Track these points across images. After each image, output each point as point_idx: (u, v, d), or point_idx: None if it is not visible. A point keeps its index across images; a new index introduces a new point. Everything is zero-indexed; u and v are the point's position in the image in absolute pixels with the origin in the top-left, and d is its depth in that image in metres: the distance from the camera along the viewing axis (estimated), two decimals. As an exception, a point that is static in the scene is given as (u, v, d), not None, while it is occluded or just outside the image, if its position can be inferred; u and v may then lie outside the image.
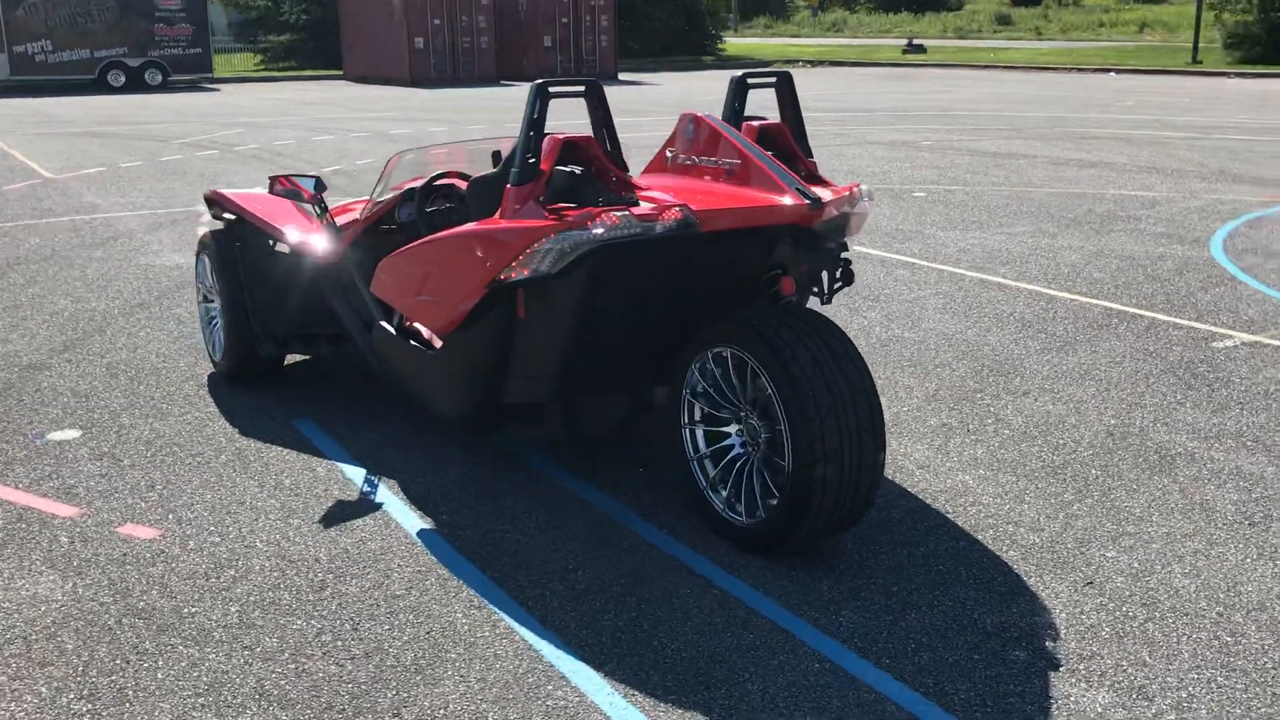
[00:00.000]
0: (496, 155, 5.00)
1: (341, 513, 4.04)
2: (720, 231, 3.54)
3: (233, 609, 3.40)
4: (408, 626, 3.31)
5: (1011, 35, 61.74)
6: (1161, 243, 8.48)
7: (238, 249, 5.17)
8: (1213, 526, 3.89)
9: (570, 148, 3.76)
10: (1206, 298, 6.87)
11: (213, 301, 5.48)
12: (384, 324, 4.48)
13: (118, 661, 3.14)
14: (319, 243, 4.87)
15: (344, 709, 2.93)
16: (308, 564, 3.67)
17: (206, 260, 5.37)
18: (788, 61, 40.21)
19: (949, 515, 3.99)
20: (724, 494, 3.77)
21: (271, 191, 4.77)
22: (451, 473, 4.38)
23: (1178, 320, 6.38)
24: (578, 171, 3.80)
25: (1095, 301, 6.82)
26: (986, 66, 35.35)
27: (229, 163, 13.70)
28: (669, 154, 3.98)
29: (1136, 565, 3.63)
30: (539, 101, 3.73)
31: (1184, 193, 10.70)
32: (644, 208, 3.52)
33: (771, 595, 3.46)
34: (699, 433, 3.88)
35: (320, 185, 4.73)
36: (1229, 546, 3.74)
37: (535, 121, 3.73)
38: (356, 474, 4.38)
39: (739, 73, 4.14)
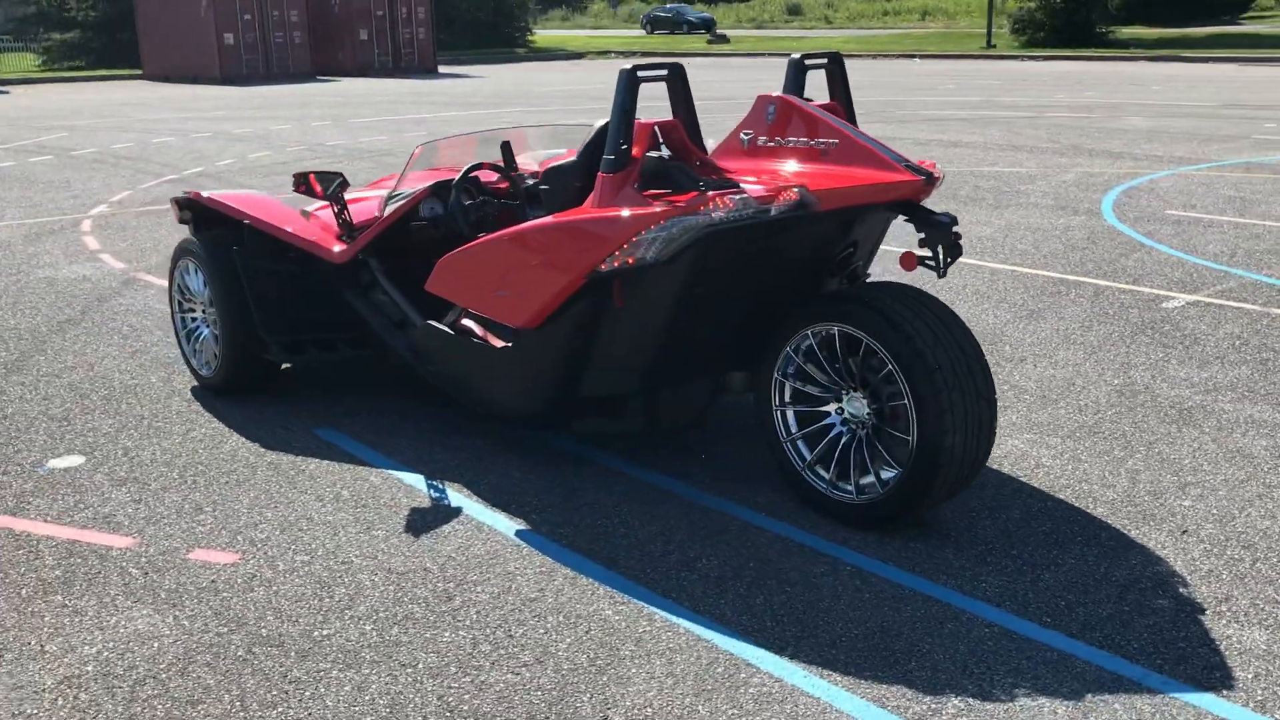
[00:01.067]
0: (505, 146, 4.89)
1: (423, 520, 3.87)
2: (832, 210, 3.56)
3: (368, 628, 3.23)
4: (564, 628, 3.21)
5: (804, 24, 63.77)
6: (1059, 214, 8.95)
7: (235, 253, 4.87)
8: (1261, 471, 4.15)
9: (659, 133, 3.71)
10: (1129, 263, 7.30)
11: (194, 311, 5.16)
12: (434, 322, 4.31)
13: (275, 693, 2.93)
14: (333, 243, 4.64)
15: (547, 716, 2.82)
16: (420, 575, 3.51)
17: (190, 267, 5.04)
18: (601, 52, 40.44)
19: (1023, 479, 4.12)
20: (826, 474, 3.79)
21: (296, 189, 4.51)
22: (514, 472, 4.25)
23: (1118, 285, 6.76)
24: (666, 156, 3.76)
25: (1035, 271, 7.15)
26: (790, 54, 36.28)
27: (76, 169, 12.83)
28: (744, 137, 3.96)
29: (1216, 511, 3.84)
30: (630, 87, 3.66)
31: (1051, 167, 11.32)
32: (758, 189, 3.51)
33: (906, 568, 3.51)
34: (790, 414, 3.89)
35: (343, 183, 4.51)
36: (1286, 488, 4.01)
37: (626, 107, 3.66)
38: (414, 480, 4.20)
39: (797, 54, 4.16)
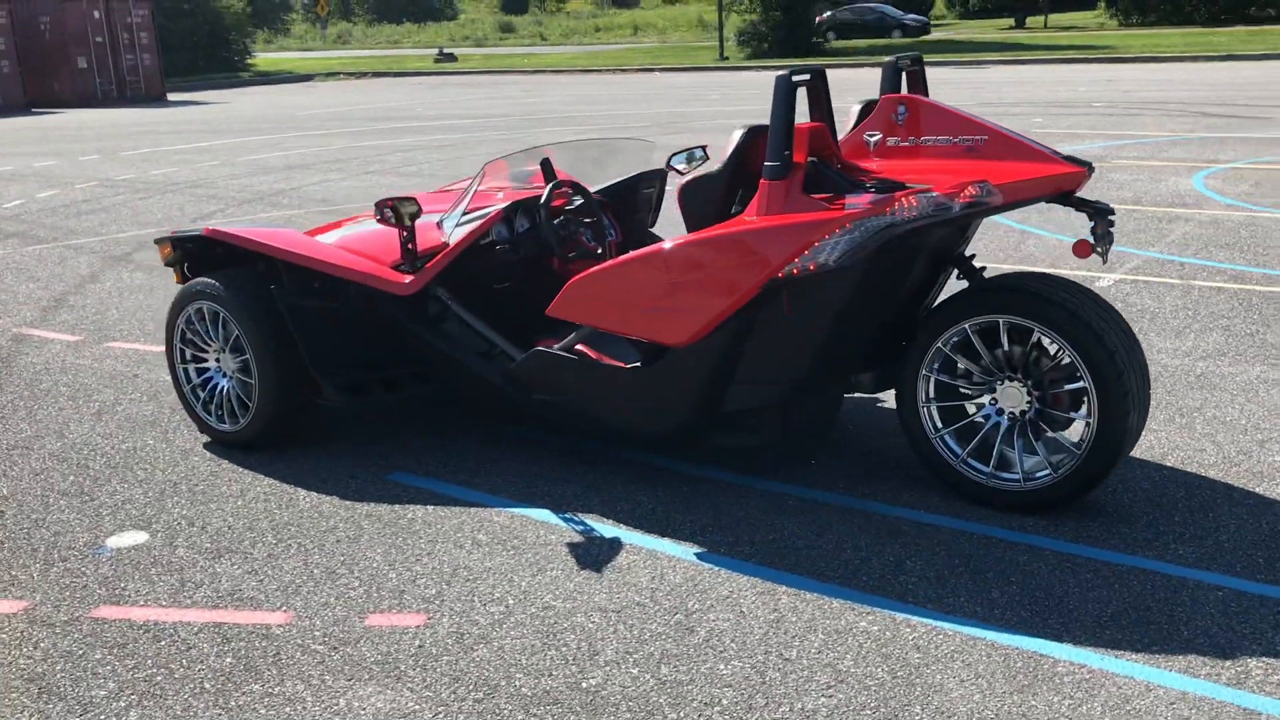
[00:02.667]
0: (546, 164, 4.72)
1: (591, 555, 3.67)
2: (1009, 204, 3.63)
3: (635, 671, 3.03)
4: (833, 645, 3.12)
5: (518, 42, 64.19)
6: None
7: (275, 292, 4.44)
8: (1312, 422, 4.55)
9: (812, 138, 3.69)
10: (1030, 249, 7.79)
11: (205, 360, 4.67)
12: (547, 349, 4.09)
13: (598, 752, 2.72)
14: (393, 273, 4.32)
15: (899, 734, 2.75)
16: (639, 610, 3.33)
17: (206, 311, 4.55)
18: (330, 74, 39.21)
19: (1236, 461, 4.28)
20: (986, 465, 3.86)
21: (380, 219, 4.17)
22: (639, 496, 4.09)
23: (1040, 269, 7.21)
24: (816, 161, 3.74)
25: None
26: (535, 71, 36.54)
27: None
28: (869, 139, 3.98)
29: (1307, 463, 4.18)
30: (788, 93, 3.61)
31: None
32: (938, 187, 3.54)
33: (1103, 547, 3.62)
34: (934, 410, 3.94)
35: (418, 210, 4.21)
36: (1347, 437, 4.41)
37: (787, 114, 3.60)
38: (543, 514, 3.98)
39: (890, 58, 4.21)
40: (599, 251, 4.45)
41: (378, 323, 4.44)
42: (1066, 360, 3.66)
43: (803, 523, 3.85)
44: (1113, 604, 3.28)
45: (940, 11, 58.43)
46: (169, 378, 5.45)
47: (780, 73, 3.67)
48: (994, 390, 3.85)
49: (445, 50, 46.88)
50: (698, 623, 3.26)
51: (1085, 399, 3.64)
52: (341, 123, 20.17)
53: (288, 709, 2.93)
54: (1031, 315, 3.67)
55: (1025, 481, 3.80)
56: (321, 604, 3.44)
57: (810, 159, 3.70)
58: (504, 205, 4.38)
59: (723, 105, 20.58)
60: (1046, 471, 3.77)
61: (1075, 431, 3.79)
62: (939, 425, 3.94)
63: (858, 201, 3.52)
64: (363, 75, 38.89)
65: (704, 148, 4.99)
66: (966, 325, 3.79)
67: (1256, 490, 3.97)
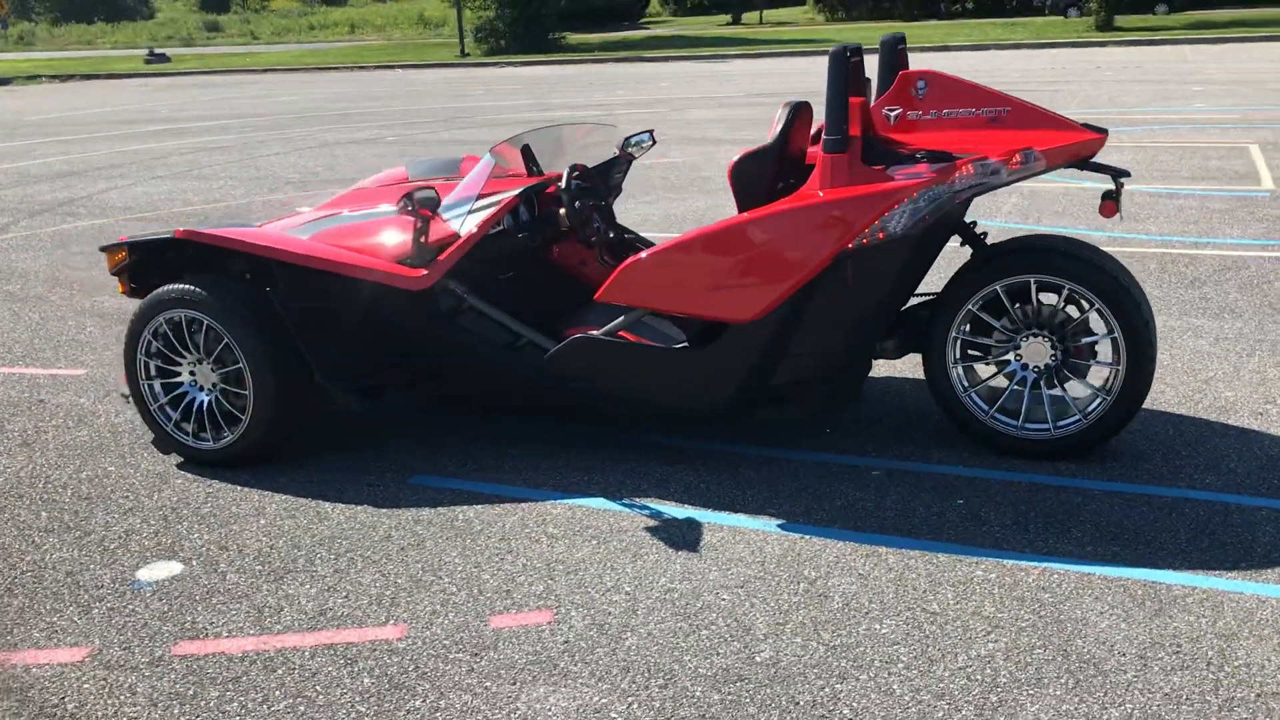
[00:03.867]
0: (526, 150, 4.65)
1: (674, 538, 3.64)
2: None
3: (802, 640, 3.06)
4: (971, 595, 3.25)
5: (228, 41, 61.25)
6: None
7: (271, 294, 4.14)
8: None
9: (861, 112, 3.80)
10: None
11: (178, 375, 4.31)
12: (588, 334, 4.01)
13: (836, 709, 2.74)
14: (400, 268, 4.12)
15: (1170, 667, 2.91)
16: (762, 584, 3.35)
17: (183, 321, 4.19)
18: (31, 77, 36.14)
19: (1194, 399, 4.64)
20: (1014, 419, 4.09)
21: (403, 211, 3.94)
22: (685, 476, 4.08)
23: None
24: (867, 135, 3.85)
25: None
26: (266, 70, 35.01)
27: None
28: (889, 113, 4.10)
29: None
30: (844, 68, 3.71)
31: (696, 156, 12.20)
32: (989, 155, 3.72)
33: (1135, 482, 3.92)
34: (960, 370, 4.14)
35: (436, 201, 4.03)
36: None
37: (844, 89, 3.70)
38: (598, 503, 3.91)
39: (887, 36, 4.38)
40: (611, 236, 4.40)
41: (384, 321, 4.22)
42: (1088, 314, 3.93)
43: (859, 487, 3.96)
44: (1182, 531, 3.57)
45: (655, 9, 60.09)
46: (82, 400, 5.02)
47: (838, 49, 3.76)
48: (1019, 347, 4.08)
49: (156, 51, 44.13)
50: (827, 589, 3.31)
51: (1115, 348, 3.92)
52: (85, 127, 18.68)
53: (453, 713, 2.79)
54: (1064, 274, 3.92)
55: (1055, 429, 4.06)
56: (430, 613, 3.27)
57: (862, 133, 3.81)
58: (517, 191, 4.26)
59: (494, 100, 20.44)
60: (1075, 418, 4.04)
61: (1096, 379, 4.07)
62: (967, 382, 4.14)
63: (918, 171, 3.66)
64: (69, 78, 36.10)
65: (650, 132, 5.04)
66: (998, 286, 4.00)
67: (1229, 422, 4.39)
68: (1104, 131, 3.96)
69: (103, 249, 4.52)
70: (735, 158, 3.98)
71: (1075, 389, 4.10)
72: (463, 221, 4.21)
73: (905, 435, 4.39)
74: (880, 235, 3.63)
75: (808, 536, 3.63)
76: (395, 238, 4.24)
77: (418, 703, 2.86)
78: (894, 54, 4.33)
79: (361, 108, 20.23)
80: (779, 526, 3.71)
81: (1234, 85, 16.82)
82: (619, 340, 4.01)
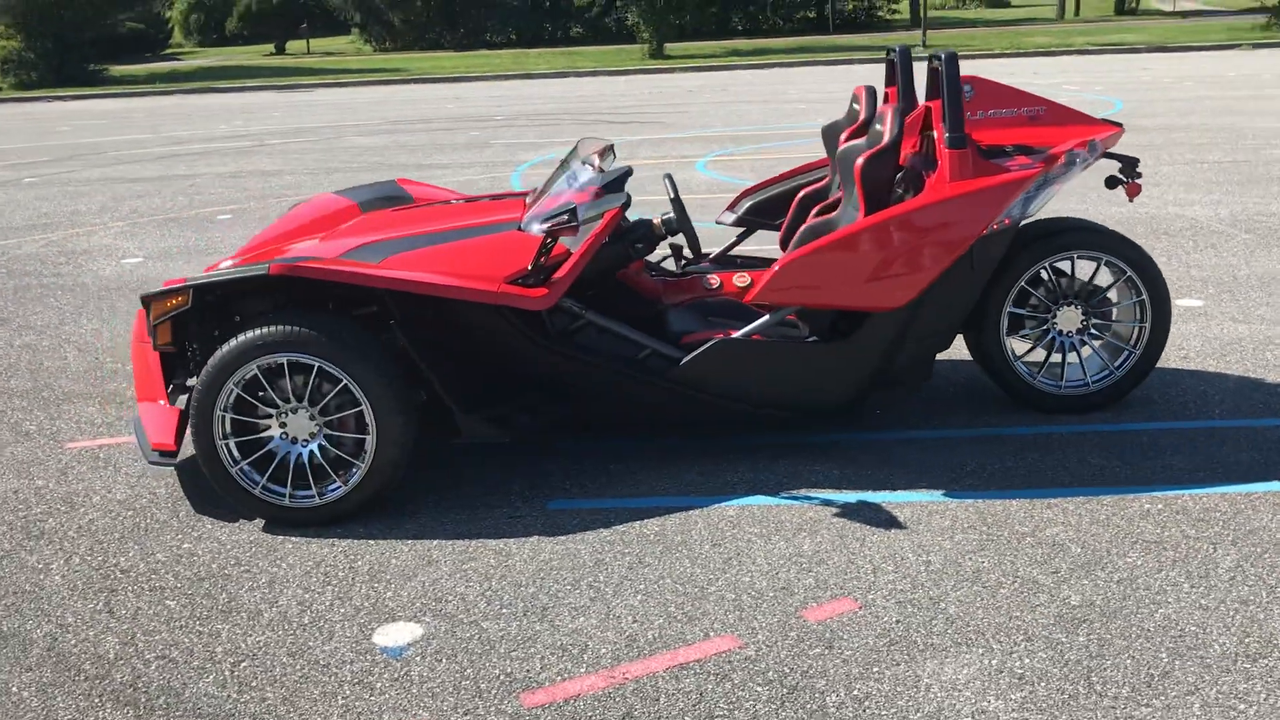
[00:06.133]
0: (608, 150, 4.68)
1: (882, 522, 3.82)
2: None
3: (1099, 582, 3.41)
4: (1158, 527, 3.75)
5: None
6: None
7: (396, 328, 3.82)
8: None
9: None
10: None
11: (263, 430, 3.87)
12: (728, 336, 4.07)
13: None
14: (529, 290, 3.99)
15: (1306, 561, 3.49)
16: (1016, 549, 3.66)
17: (289, 366, 3.78)
18: None
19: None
20: (1058, 381, 4.66)
21: (552, 230, 3.78)
22: (813, 466, 4.26)
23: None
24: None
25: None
26: None
27: None
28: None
29: None
30: (957, 72, 4.08)
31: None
32: (1072, 142, 4.25)
33: (1165, 420, 4.62)
34: (1010, 341, 4.65)
35: (574, 216, 3.92)
36: None
37: (958, 91, 4.07)
38: (767, 500, 4.01)
39: (898, 46, 4.80)
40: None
41: (505, 344, 4.03)
42: (1107, 283, 4.58)
43: (958, 455, 4.34)
44: (1247, 454, 4.28)
45: (179, 39, 56.75)
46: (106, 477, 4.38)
47: (948, 53, 4.12)
48: (1054, 315, 4.65)
49: None
50: (1048, 538, 3.67)
51: (1141, 308, 4.59)
52: None
53: (879, 699, 2.87)
54: (1101, 248, 4.54)
55: (1094, 385, 4.68)
56: (737, 619, 3.27)
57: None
58: (620, 203, 4.21)
59: (99, 135, 18.60)
60: (1106, 373, 4.68)
61: (1121, 337, 4.72)
62: (1016, 351, 4.66)
63: (1026, 162, 4.12)
64: None
65: (611, 145, 5.16)
66: (1046, 263, 4.55)
67: (1192, 366, 5.24)
68: (1120, 125, 4.63)
69: (152, 296, 3.93)
70: (860, 160, 4.22)
71: (1104, 348, 4.74)
72: (568, 238, 4.11)
73: (950, 407, 4.82)
74: (1005, 221, 4.05)
75: (980, 500, 3.96)
76: (500, 258, 4.07)
77: (832, 697, 2.89)
78: (908, 64, 4.78)
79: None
80: (945, 496, 4.01)
81: (829, 103, 19.00)
82: (762, 340, 4.12)
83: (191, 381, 4.52)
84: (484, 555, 3.70)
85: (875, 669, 3.01)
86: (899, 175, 4.34)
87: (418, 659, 3.13)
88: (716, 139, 14.29)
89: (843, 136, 4.95)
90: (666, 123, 16.68)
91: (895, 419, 4.70)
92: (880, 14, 49.03)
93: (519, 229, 4.27)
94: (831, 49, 33.91)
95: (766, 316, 4.20)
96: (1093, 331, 4.67)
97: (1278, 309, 6.08)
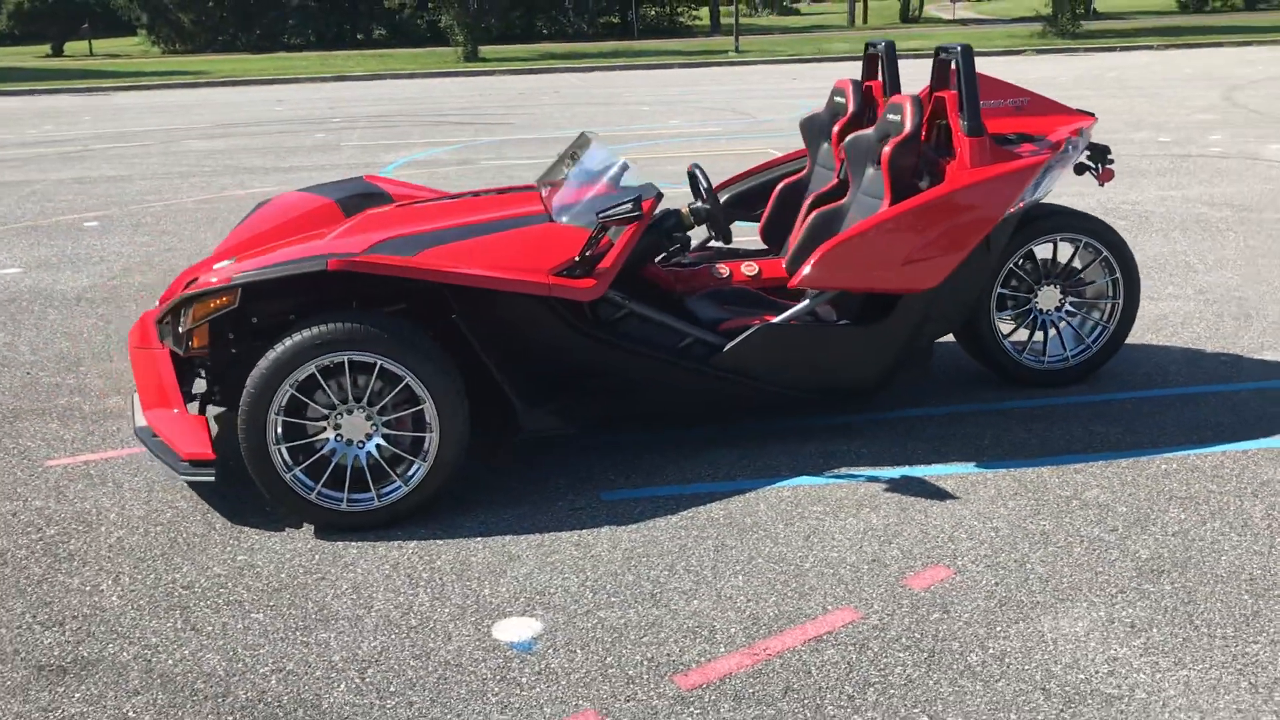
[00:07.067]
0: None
1: (960, 491, 3.98)
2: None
3: (1167, 536, 3.66)
4: (1205, 481, 4.05)
5: None
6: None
7: (459, 321, 3.73)
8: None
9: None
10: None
11: (315, 434, 3.74)
12: (770, 322, 4.15)
13: (1253, 580, 3.38)
14: (578, 281, 3.97)
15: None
16: (1075, 512, 3.87)
17: (349, 364, 3.66)
18: None
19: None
20: (1041, 355, 4.95)
21: (604, 219, 3.78)
22: (848, 445, 4.39)
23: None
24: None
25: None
26: None
27: None
28: (922, 104, 4.72)
29: None
30: (973, 63, 4.28)
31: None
32: (1065, 130, 4.52)
33: (1153, 388, 4.97)
34: (999, 320, 4.91)
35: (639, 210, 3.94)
36: None
37: (974, 81, 4.28)
38: (826, 481, 4.11)
39: (881, 43, 4.99)
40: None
41: (554, 336, 4.00)
42: (1085, 265, 4.90)
43: (971, 429, 4.56)
44: (1225, 417, 4.66)
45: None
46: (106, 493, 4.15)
47: (963, 44, 4.32)
48: (1035, 295, 4.94)
49: None
50: (1093, 500, 3.91)
51: (1115, 286, 4.92)
52: None
53: (1017, 655, 3.03)
54: (1081, 231, 4.84)
55: (1074, 359, 4.98)
56: (846, 592, 3.36)
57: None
58: (655, 195, 4.22)
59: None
60: (1083, 348, 4.99)
61: (1096, 314, 5.04)
62: (1004, 330, 4.92)
63: (1034, 149, 4.37)
64: None
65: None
66: (1031, 246, 4.82)
67: (1134, 342, 5.62)
68: (1095, 115, 4.95)
69: (194, 298, 3.72)
70: (888, 148, 4.36)
71: (1080, 324, 5.05)
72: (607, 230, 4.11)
73: (948, 386, 5.05)
74: (1021, 204, 4.29)
75: (1013, 470, 4.18)
76: (540, 250, 4.03)
77: (970, 657, 3.02)
78: (888, 60, 4.98)
79: None
80: (978, 468, 4.21)
81: (670, 105, 19.30)
82: (802, 324, 4.22)
83: (198, 389, 4.32)
84: (564, 548, 3.67)
85: (998, 628, 3.15)
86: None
87: (550, 651, 3.09)
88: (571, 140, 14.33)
89: (835, 128, 5.10)
90: (516, 124, 16.64)
91: (893, 399, 4.88)
92: (682, 20, 50.11)
93: (550, 221, 4.23)
94: (643, 54, 34.46)
95: (806, 301, 4.31)
96: (1069, 309, 4.98)
97: (1182, 286, 6.60)
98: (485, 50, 35.90)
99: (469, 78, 29.08)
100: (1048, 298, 4.92)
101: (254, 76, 29.82)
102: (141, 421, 4.08)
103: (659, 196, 4.18)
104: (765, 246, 5.36)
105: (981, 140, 4.34)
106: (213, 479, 3.77)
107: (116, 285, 7.31)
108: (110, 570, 3.59)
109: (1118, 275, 4.91)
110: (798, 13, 65.67)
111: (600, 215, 3.91)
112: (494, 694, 2.91)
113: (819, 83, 22.48)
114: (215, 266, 4.49)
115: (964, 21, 48.71)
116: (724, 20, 50.93)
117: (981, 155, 4.33)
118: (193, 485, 4.17)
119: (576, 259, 3.96)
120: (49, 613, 3.34)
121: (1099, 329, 5.00)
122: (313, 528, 3.82)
